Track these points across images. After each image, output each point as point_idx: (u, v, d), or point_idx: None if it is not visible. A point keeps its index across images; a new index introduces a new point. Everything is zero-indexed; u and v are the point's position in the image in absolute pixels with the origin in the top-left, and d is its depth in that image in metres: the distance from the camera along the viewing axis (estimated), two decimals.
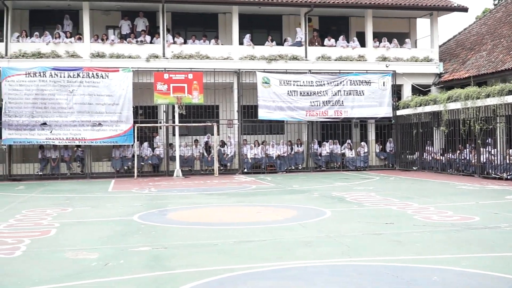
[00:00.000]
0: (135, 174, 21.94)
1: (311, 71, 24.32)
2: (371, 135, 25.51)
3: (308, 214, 10.80)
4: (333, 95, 24.04)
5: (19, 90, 21.75)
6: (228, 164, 23.85)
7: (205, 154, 23.73)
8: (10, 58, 22.71)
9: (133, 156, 22.58)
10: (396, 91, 25.21)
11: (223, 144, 23.72)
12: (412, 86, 25.71)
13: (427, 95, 23.69)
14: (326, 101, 23.97)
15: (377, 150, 25.42)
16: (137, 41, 23.87)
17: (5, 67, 22.03)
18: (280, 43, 25.68)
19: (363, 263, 6.62)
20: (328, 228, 9.05)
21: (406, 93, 25.62)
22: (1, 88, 21.62)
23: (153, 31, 24.81)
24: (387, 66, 25.13)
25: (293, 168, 24.27)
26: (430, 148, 22.96)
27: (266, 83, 23.54)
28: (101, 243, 8.08)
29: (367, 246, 7.56)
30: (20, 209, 12.09)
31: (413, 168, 23.69)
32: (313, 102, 23.95)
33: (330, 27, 27.16)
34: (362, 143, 24.97)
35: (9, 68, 21.97)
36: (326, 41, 25.52)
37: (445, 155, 21.97)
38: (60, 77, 21.92)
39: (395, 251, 7.24)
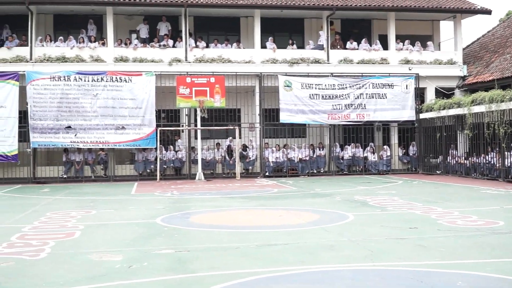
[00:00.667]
0: (158, 177, 22.07)
1: (333, 74, 24.25)
2: (394, 139, 25.34)
3: (331, 218, 10.76)
4: (355, 98, 23.95)
5: (44, 94, 22.04)
6: (250, 167, 23.89)
7: (227, 157, 23.80)
8: (35, 62, 23.03)
9: (156, 159, 22.75)
10: (419, 94, 25.00)
11: (244, 147, 23.76)
12: (436, 89, 25.49)
13: (450, 98, 23.47)
14: (348, 105, 23.89)
15: (400, 154, 25.23)
16: (159, 45, 24.05)
17: (30, 71, 22.34)
18: (302, 46, 25.69)
19: (386, 268, 6.56)
20: (350, 232, 9.02)
21: (430, 96, 25.39)
22: (26, 92, 21.95)
23: (175, 35, 24.98)
24: (410, 69, 24.96)
25: (315, 171, 24.22)
26: (454, 152, 22.74)
27: (288, 86, 23.54)
28: (125, 246, 8.15)
29: (390, 251, 7.51)
30: (45, 212, 12.24)
31: (437, 172, 23.49)
32: (335, 105, 23.88)
33: (352, 30, 27.08)
34: (385, 146, 24.81)
35: (34, 72, 22.28)
36: (348, 44, 25.43)
37: (469, 159, 21.72)
38: (84, 81, 22.17)
39: (419, 256, 7.18)
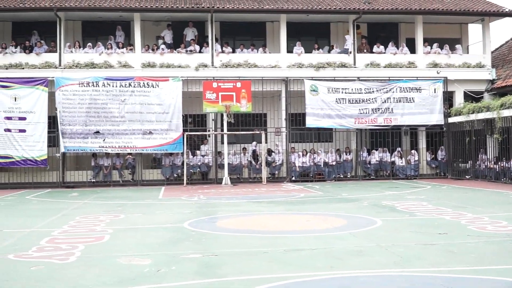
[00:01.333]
0: (185, 182, 22.19)
1: (360, 78, 24.13)
2: (422, 143, 25.08)
3: (358, 223, 10.69)
4: (383, 103, 23.78)
5: (73, 100, 22.34)
6: (276, 172, 23.87)
7: (253, 162, 23.82)
8: (64, 68, 23.36)
9: (183, 163, 22.87)
10: (448, 98, 24.71)
11: (269, 152, 23.75)
12: (464, 92, 25.15)
13: (479, 102, 23.13)
14: (375, 109, 23.72)
15: (429, 159, 24.96)
16: (186, 51, 24.21)
17: (59, 77, 22.66)
18: (328, 50, 25.61)
19: (415, 274, 6.49)
20: (379, 237, 8.93)
21: (458, 100, 25.08)
22: (55, 98, 22.27)
23: (202, 41, 25.13)
24: (438, 73, 24.70)
25: (342, 176, 24.08)
26: (484, 156, 22.41)
27: (314, 91, 23.48)
28: (153, 250, 8.21)
29: (419, 256, 7.42)
30: (74, 216, 12.39)
31: (466, 176, 23.15)
32: (362, 109, 23.74)
33: (379, 34, 26.91)
34: (413, 151, 24.56)
35: (62, 78, 22.60)
36: (375, 48, 25.29)
37: (499, 163, 21.41)
38: (113, 86, 22.42)
39: (448, 262, 7.09)
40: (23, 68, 23.31)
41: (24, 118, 22.21)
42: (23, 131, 22.20)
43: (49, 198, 17.88)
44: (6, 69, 23.19)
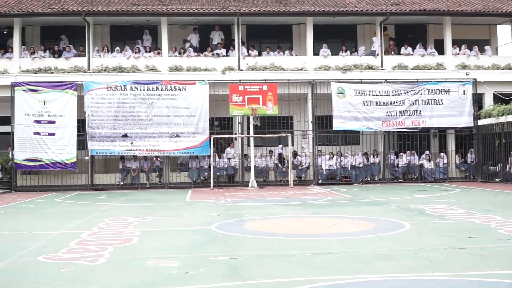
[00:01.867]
0: (211, 184, 22.27)
1: (387, 80, 23.96)
2: (451, 146, 24.75)
3: (386, 227, 10.58)
4: (411, 105, 23.54)
5: (101, 103, 22.61)
6: (303, 175, 23.80)
7: (279, 165, 23.79)
8: (92, 72, 23.66)
9: (209, 166, 22.96)
10: (477, 100, 24.38)
11: (294, 154, 23.67)
12: (494, 94, 24.77)
13: (509, 104, 22.75)
14: (403, 111, 23.50)
15: (458, 161, 24.63)
16: (213, 54, 24.32)
17: (88, 81, 22.96)
18: (355, 52, 25.47)
19: (445, 278, 6.40)
20: (408, 241, 8.83)
21: (488, 102, 24.68)
22: (84, 101, 22.55)
23: (228, 44, 25.22)
24: (467, 74, 24.38)
25: (369, 179, 23.92)
26: None
27: (341, 93, 23.37)
28: (181, 252, 8.23)
29: (449, 261, 7.31)
30: (103, 218, 12.51)
31: (496, 180, 22.78)
32: (389, 112, 23.54)
33: (406, 35, 26.70)
34: (441, 154, 24.26)
35: (91, 82, 22.88)
36: (402, 50, 25.08)
37: None
38: (140, 90, 22.63)
39: (479, 266, 6.97)
40: (52, 72, 23.67)
41: (53, 122, 22.54)
42: (52, 134, 22.52)
43: (78, 200, 18.09)
44: (35, 73, 23.57)
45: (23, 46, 24.40)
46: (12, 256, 8.06)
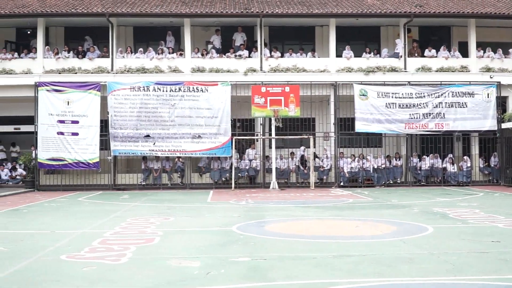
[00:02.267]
0: (233, 186, 22.29)
1: (411, 82, 23.76)
2: (475, 149, 24.46)
3: (409, 230, 10.48)
4: (434, 107, 23.32)
5: (124, 104, 22.77)
6: (324, 177, 23.72)
7: (301, 167, 23.73)
8: (116, 73, 23.84)
9: (231, 167, 22.99)
10: (501, 103, 24.07)
11: (314, 156, 23.56)
12: None
13: None
14: (427, 114, 23.29)
15: (481, 165, 24.35)
16: (235, 56, 24.36)
17: (111, 81, 23.14)
18: (378, 54, 25.31)
19: (468, 282, 6.33)
20: (430, 244, 8.74)
21: None
22: (107, 102, 22.74)
23: (251, 45, 25.24)
24: (491, 77, 24.07)
25: (391, 182, 23.74)
26: None
27: (363, 95, 23.24)
28: (202, 252, 8.25)
29: (472, 265, 7.23)
30: (125, 218, 12.60)
31: None
32: (412, 114, 23.35)
33: (430, 38, 26.47)
34: (465, 157, 23.99)
35: (114, 83, 23.06)
36: (426, 52, 24.86)
37: None
38: (163, 91, 22.75)
39: (502, 270, 6.89)
40: (75, 73, 23.90)
41: (76, 122, 22.77)
42: (76, 134, 22.75)
43: (100, 200, 18.25)
44: (59, 73, 23.83)
45: (47, 47, 24.68)
46: (35, 254, 8.16)
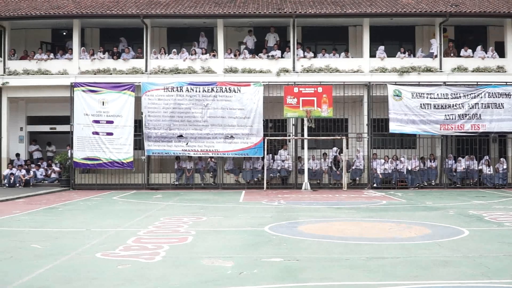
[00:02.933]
0: (265, 186, 22.29)
1: (446, 83, 23.42)
2: (511, 151, 24.01)
3: (444, 232, 10.32)
4: (470, 108, 22.93)
5: (158, 104, 22.97)
6: (357, 178, 23.54)
7: (334, 167, 23.61)
8: (150, 74, 24.08)
9: (263, 168, 22.99)
10: None
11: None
12: None
13: None
14: (462, 115, 22.91)
15: None
16: (268, 56, 24.36)
17: (145, 82, 23.38)
18: (413, 54, 25.01)
19: (504, 285, 6.22)
20: (466, 247, 8.60)
21: None
22: (141, 102, 22.97)
23: (283, 46, 25.21)
24: None
25: (425, 184, 23.44)
26: None
27: (397, 96, 22.99)
28: (235, 252, 8.27)
29: (508, 268, 7.10)
30: (159, 217, 12.71)
31: None
32: (448, 115, 23.00)
33: (466, 37, 26.06)
34: (501, 159, 23.52)
35: (148, 83, 23.28)
36: (462, 52, 24.46)
37: None
38: (196, 91, 22.88)
39: None
40: (111, 74, 24.22)
41: (111, 122, 23.06)
42: (111, 134, 23.04)
43: (134, 199, 18.45)
44: (95, 74, 24.17)
45: (82, 48, 25.07)
46: (71, 252, 8.29)
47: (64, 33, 26.63)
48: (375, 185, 22.93)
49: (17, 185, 22.98)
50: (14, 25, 25.36)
